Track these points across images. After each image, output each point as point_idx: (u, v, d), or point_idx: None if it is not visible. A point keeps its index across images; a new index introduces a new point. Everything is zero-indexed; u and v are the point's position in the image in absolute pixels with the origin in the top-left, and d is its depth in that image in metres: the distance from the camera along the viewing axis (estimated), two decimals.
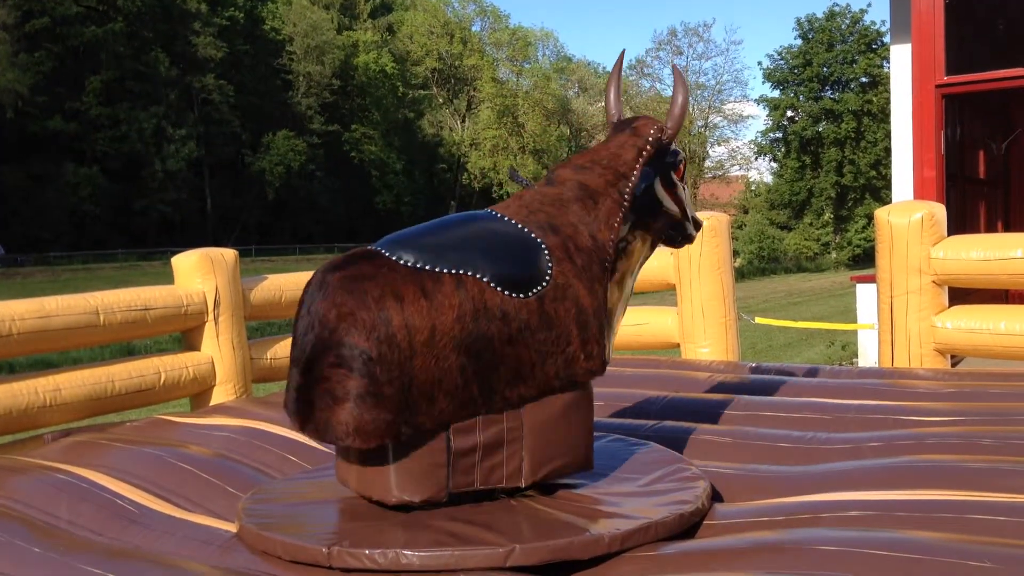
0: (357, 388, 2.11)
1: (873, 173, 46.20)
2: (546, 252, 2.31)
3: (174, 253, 5.03)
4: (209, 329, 4.58)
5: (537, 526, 2.18)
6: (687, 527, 2.26)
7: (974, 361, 5.70)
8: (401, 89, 68.18)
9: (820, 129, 47.33)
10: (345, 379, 2.12)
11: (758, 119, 71.03)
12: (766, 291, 28.89)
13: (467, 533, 2.13)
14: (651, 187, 2.49)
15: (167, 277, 4.79)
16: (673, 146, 2.55)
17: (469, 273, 2.21)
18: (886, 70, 40.70)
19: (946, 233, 4.52)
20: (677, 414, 3.46)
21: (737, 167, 59.23)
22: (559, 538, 2.08)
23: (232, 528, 2.41)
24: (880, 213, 4.59)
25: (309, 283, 2.26)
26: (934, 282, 4.44)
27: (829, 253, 48.52)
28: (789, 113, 48.43)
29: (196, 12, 55.57)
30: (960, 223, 8.54)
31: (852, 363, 10.61)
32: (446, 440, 2.24)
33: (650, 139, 2.48)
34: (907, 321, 4.48)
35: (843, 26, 46.95)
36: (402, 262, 2.20)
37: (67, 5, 49.73)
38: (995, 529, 2.09)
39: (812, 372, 4.26)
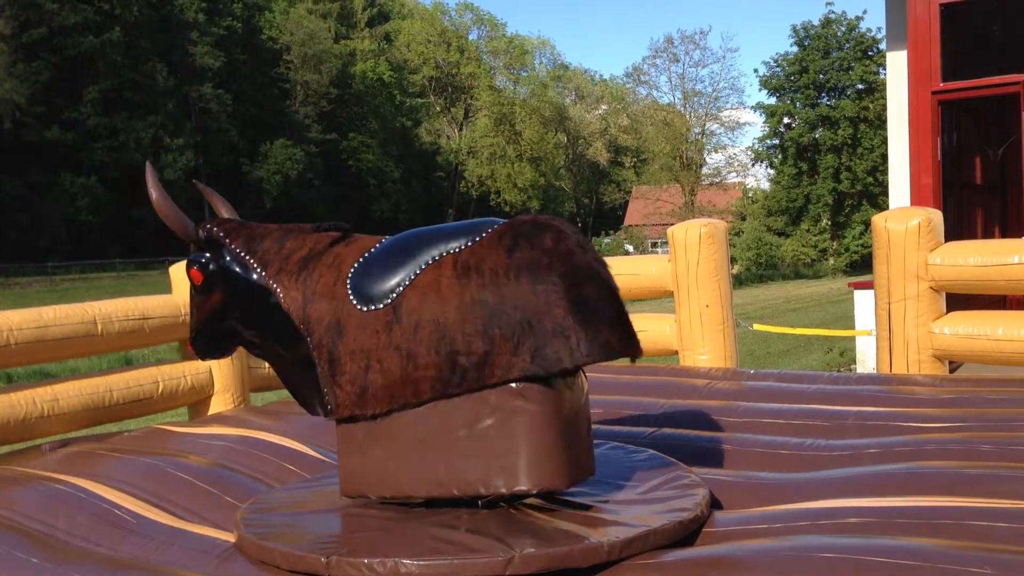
0: None
1: (870, 179, 46.21)
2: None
3: (172, 262, 5.03)
4: None
5: (536, 534, 2.17)
6: (686, 535, 2.25)
7: (972, 367, 5.69)
8: (398, 97, 68.26)
9: (817, 136, 47.34)
10: None
11: (755, 126, 71.31)
12: (764, 298, 28.88)
13: (466, 541, 2.12)
14: None
15: (165, 286, 4.79)
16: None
17: None
18: (882, 77, 40.74)
19: (943, 239, 4.53)
20: (676, 421, 3.46)
21: (734, 174, 59.22)
22: (558, 546, 2.07)
23: (231, 538, 2.41)
24: (877, 219, 4.59)
25: (556, 235, 2.36)
26: (932, 288, 4.44)
27: (827, 259, 48.49)
28: (786, 120, 48.41)
29: (194, 22, 55.58)
30: (957, 229, 8.55)
31: (850, 369, 10.61)
32: None
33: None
34: (905, 327, 4.48)
35: (839, 33, 46.98)
36: None
37: (65, 15, 49.75)
38: (995, 535, 2.08)
39: (811, 379, 4.25)
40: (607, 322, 2.32)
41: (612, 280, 2.39)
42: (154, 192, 2.58)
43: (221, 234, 2.58)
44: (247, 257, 2.55)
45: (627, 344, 2.36)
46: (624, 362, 5.29)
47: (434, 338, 2.32)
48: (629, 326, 2.37)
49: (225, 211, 2.79)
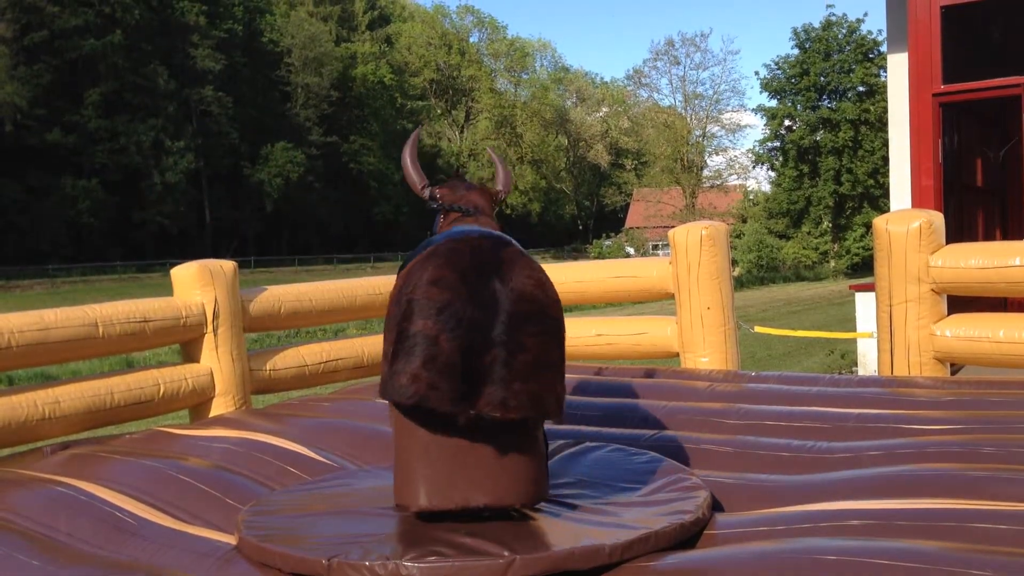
0: (561, 357, 2.22)
1: (871, 182, 46.16)
2: None
3: (173, 265, 5.02)
4: (208, 341, 4.57)
5: (537, 537, 2.17)
6: (688, 537, 2.25)
7: (974, 369, 5.69)
8: (399, 100, 68.32)
9: (818, 138, 47.28)
10: (556, 349, 2.21)
11: (756, 128, 71.29)
12: (765, 300, 28.88)
13: (467, 544, 2.12)
14: None
15: (166, 289, 4.78)
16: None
17: None
18: (883, 79, 40.76)
19: (944, 241, 4.53)
20: (677, 424, 3.46)
21: (735, 176, 59.23)
22: (559, 549, 2.07)
23: (231, 540, 2.41)
24: (878, 222, 4.59)
25: (465, 255, 2.22)
26: (933, 290, 4.43)
27: (828, 262, 48.46)
28: (786, 122, 48.34)
29: (195, 25, 55.64)
30: (958, 231, 8.54)
31: (852, 372, 10.61)
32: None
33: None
34: (906, 329, 4.48)
35: (840, 36, 46.95)
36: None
37: (66, 18, 49.81)
38: (996, 538, 2.08)
39: (812, 381, 4.25)
40: (419, 367, 2.09)
41: (462, 331, 2.10)
42: (407, 152, 3.02)
43: (437, 194, 2.99)
44: (441, 217, 2.91)
45: (436, 397, 2.09)
46: (623, 364, 5.29)
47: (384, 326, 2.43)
48: (449, 379, 2.09)
49: (501, 179, 3.20)
